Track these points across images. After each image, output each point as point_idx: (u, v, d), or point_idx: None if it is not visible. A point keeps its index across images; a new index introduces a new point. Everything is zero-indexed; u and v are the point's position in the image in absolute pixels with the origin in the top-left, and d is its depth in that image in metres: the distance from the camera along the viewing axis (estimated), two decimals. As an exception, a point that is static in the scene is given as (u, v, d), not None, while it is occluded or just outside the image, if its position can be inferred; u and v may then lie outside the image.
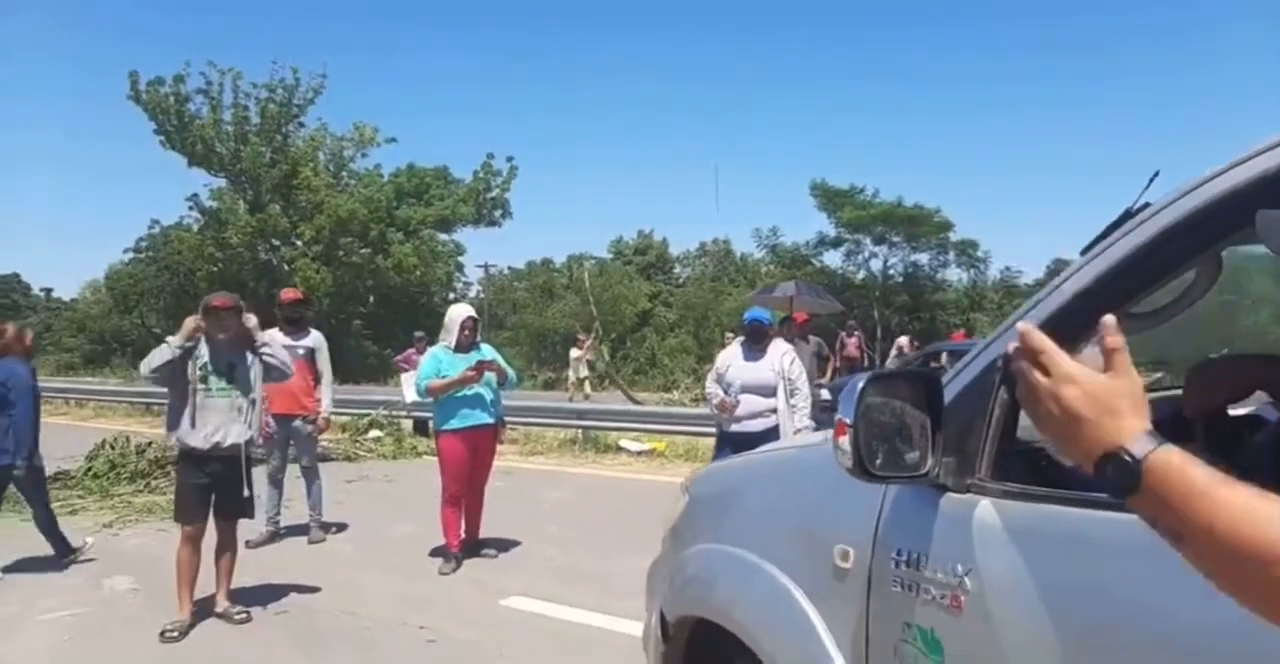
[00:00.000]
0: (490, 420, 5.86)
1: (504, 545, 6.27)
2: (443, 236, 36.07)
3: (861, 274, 35.34)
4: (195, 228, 34.88)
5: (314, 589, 5.35)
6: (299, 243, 33.39)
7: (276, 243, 34.08)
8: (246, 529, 6.61)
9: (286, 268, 33.53)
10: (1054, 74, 60.49)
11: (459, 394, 5.73)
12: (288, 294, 6.74)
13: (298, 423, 6.48)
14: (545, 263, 41.98)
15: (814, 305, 11.38)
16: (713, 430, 6.80)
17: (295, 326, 6.57)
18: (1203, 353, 1.99)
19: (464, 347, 5.87)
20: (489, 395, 5.84)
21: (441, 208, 34.45)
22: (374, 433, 12.00)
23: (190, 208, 34.69)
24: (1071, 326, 1.45)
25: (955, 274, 35.46)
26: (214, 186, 33.96)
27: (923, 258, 34.99)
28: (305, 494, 6.73)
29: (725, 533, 2.22)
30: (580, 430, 11.70)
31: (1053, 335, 1.44)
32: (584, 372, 19.06)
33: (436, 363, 5.81)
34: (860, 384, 1.45)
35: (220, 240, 32.92)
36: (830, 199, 33.53)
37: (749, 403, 5.74)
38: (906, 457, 1.49)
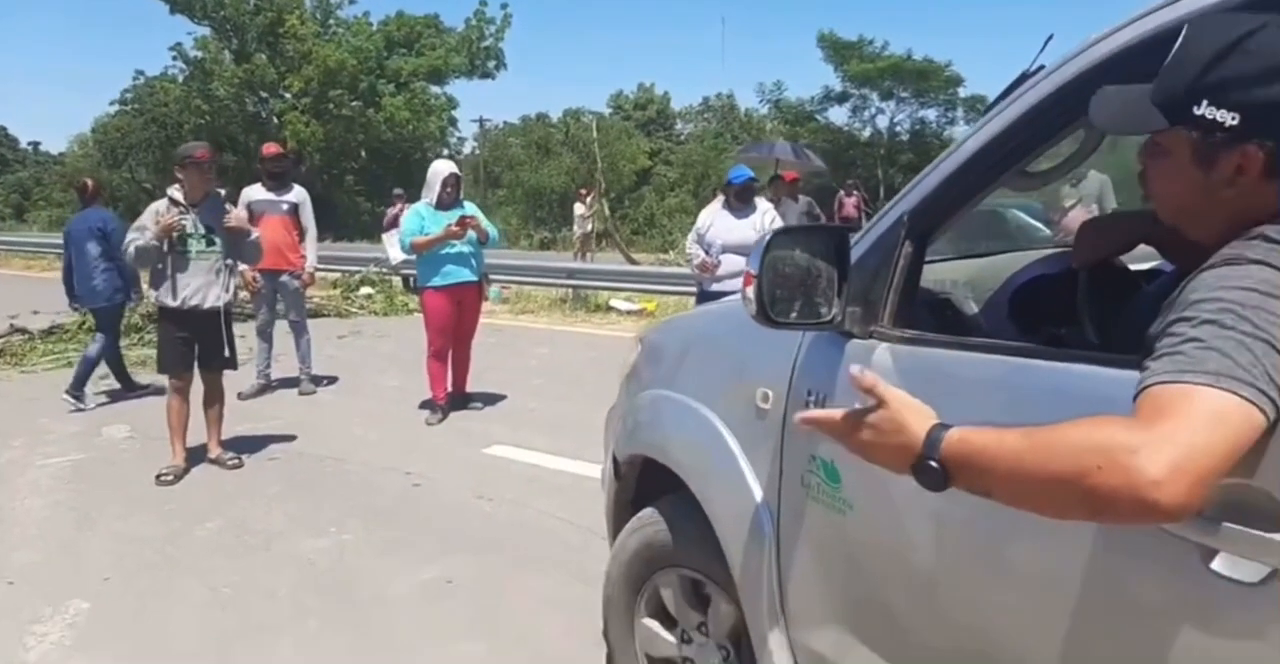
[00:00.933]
0: (473, 277, 5.95)
1: (490, 398, 6.52)
2: (435, 89, 35.15)
3: (867, 131, 34.73)
4: (180, 79, 34.02)
5: (304, 438, 5.60)
6: (287, 95, 32.64)
7: (264, 95, 33.33)
8: (238, 381, 6.87)
9: (276, 121, 32.90)
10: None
11: (442, 251, 5.79)
12: (269, 148, 6.70)
13: (284, 278, 6.59)
14: (541, 118, 41.02)
15: (794, 166, 11.27)
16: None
17: (278, 181, 6.57)
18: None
19: (446, 204, 5.89)
20: (471, 252, 5.91)
21: (433, 58, 33.43)
22: (365, 290, 12.17)
23: (174, 58, 33.77)
24: (969, 183, 1.53)
25: (963, 131, 34.72)
26: (198, 35, 32.91)
27: (930, 114, 34.27)
28: (294, 348, 6.92)
29: (670, 379, 2.35)
30: (571, 290, 11.84)
31: (955, 191, 1.52)
32: (590, 226, 18.74)
33: (419, 220, 5.85)
34: (767, 238, 1.53)
35: (206, 92, 32.21)
36: (838, 51, 32.52)
37: (729, 262, 5.77)
38: (812, 306, 1.59)
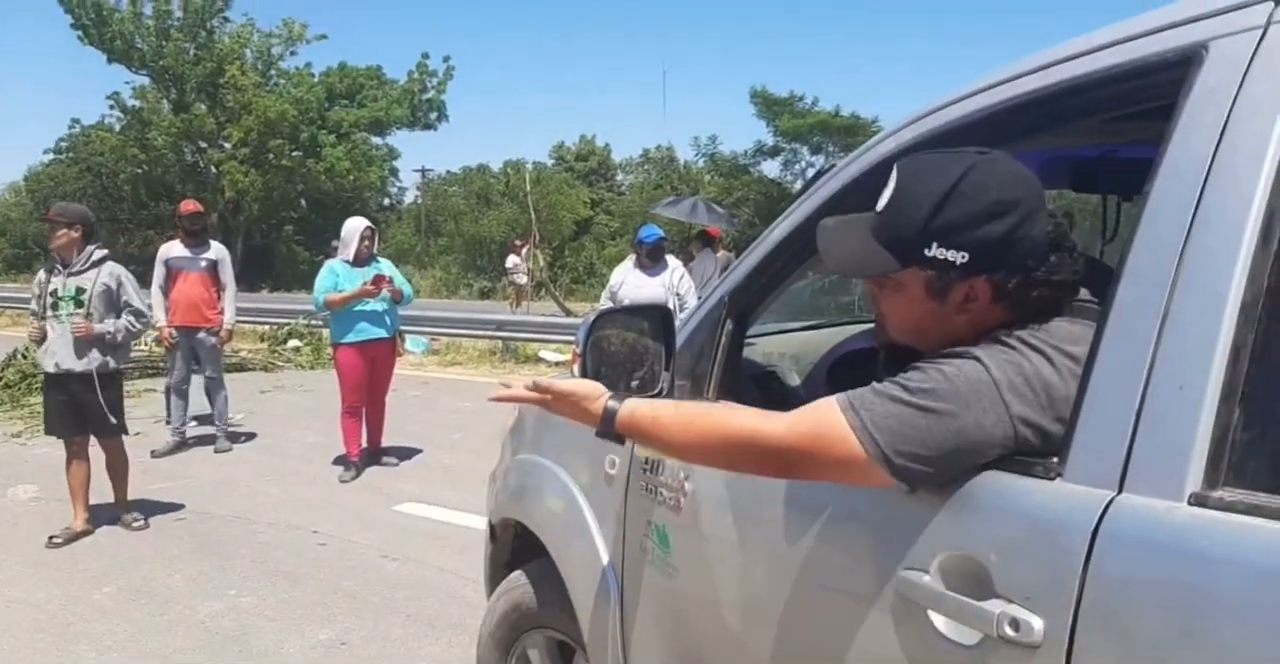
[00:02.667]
0: (387, 334, 5.99)
1: (406, 454, 6.51)
2: (376, 140, 35.16)
3: (799, 184, 35.43)
4: (117, 128, 33.61)
5: (215, 497, 5.54)
6: (226, 145, 32.39)
7: (203, 144, 33.02)
8: (153, 439, 6.82)
9: (214, 171, 32.62)
10: (1002, -18, 59.79)
11: (355, 308, 5.83)
12: (187, 206, 6.68)
13: (201, 335, 6.53)
14: (482, 168, 41.25)
15: (710, 222, 11.54)
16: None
17: (195, 238, 6.54)
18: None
19: (363, 259, 5.94)
20: (385, 309, 5.95)
21: (375, 109, 33.48)
22: (293, 342, 12.05)
23: (111, 107, 33.36)
24: (779, 267, 1.66)
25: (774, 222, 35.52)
26: (136, 85, 32.64)
27: (859, 169, 35.07)
28: (210, 405, 6.85)
29: (539, 444, 2.43)
30: (501, 341, 11.88)
31: (767, 274, 1.64)
32: (523, 279, 18.89)
33: (334, 276, 5.88)
34: (590, 319, 1.63)
35: (143, 141, 31.82)
36: (769, 107, 33.25)
37: (641, 319, 5.89)
38: (638, 381, 1.69)
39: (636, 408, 1.39)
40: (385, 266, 6.06)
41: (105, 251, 4.75)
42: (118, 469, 4.93)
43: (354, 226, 6.05)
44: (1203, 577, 0.85)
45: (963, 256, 1.16)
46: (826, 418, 1.15)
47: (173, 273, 6.42)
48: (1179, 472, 0.90)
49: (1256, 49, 0.96)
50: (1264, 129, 0.92)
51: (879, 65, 62.42)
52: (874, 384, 1.16)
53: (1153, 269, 0.98)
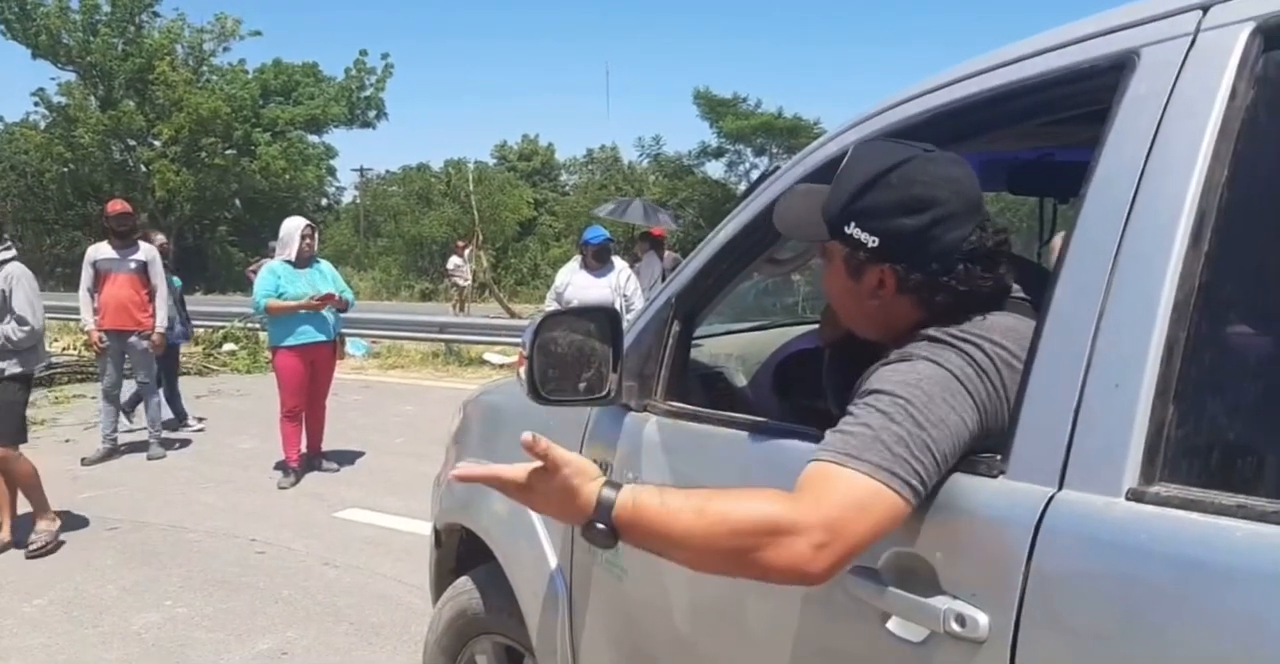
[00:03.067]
0: (328, 338, 5.89)
1: (347, 458, 6.41)
2: (313, 138, 34.54)
3: (743, 185, 35.72)
4: (43, 125, 32.57)
5: (148, 505, 5.40)
6: (156, 143, 31.57)
7: (132, 142, 32.15)
8: (85, 447, 6.62)
9: (144, 169, 31.78)
10: (937, -13, 60.98)
11: (292, 312, 5.72)
12: (114, 206, 6.46)
13: (132, 339, 6.33)
14: (422, 168, 40.76)
15: (651, 223, 11.59)
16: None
17: (123, 240, 6.34)
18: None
19: (304, 259, 5.83)
20: (327, 313, 5.85)
21: (311, 107, 32.88)
22: (229, 346, 11.78)
23: (36, 103, 32.33)
24: (725, 269, 1.66)
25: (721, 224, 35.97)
26: (62, 81, 31.65)
27: (801, 170, 35.48)
28: (143, 411, 6.67)
29: (485, 448, 2.41)
30: (444, 344, 11.76)
31: (713, 276, 1.64)
32: (466, 280, 18.75)
33: (275, 278, 5.74)
34: (536, 321, 1.62)
35: (70, 139, 30.85)
36: (713, 108, 33.49)
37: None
38: (585, 382, 1.68)
39: (639, 494, 1.08)
40: (326, 268, 5.97)
41: (11, 253, 4.51)
42: (16, 481, 4.64)
43: (293, 226, 5.93)
44: (1141, 570, 0.88)
45: (874, 240, 1.20)
46: (859, 494, 1.02)
47: (101, 275, 6.22)
48: (1116, 468, 0.92)
49: (1186, 56, 0.99)
50: (1195, 133, 0.95)
51: (820, 68, 63.30)
52: (845, 423, 1.10)
53: (1088, 270, 1.01)
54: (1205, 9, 1.00)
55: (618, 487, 1.10)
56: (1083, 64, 1.11)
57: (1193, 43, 0.99)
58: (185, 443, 7.06)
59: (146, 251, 6.44)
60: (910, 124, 1.31)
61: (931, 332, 1.17)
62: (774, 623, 1.34)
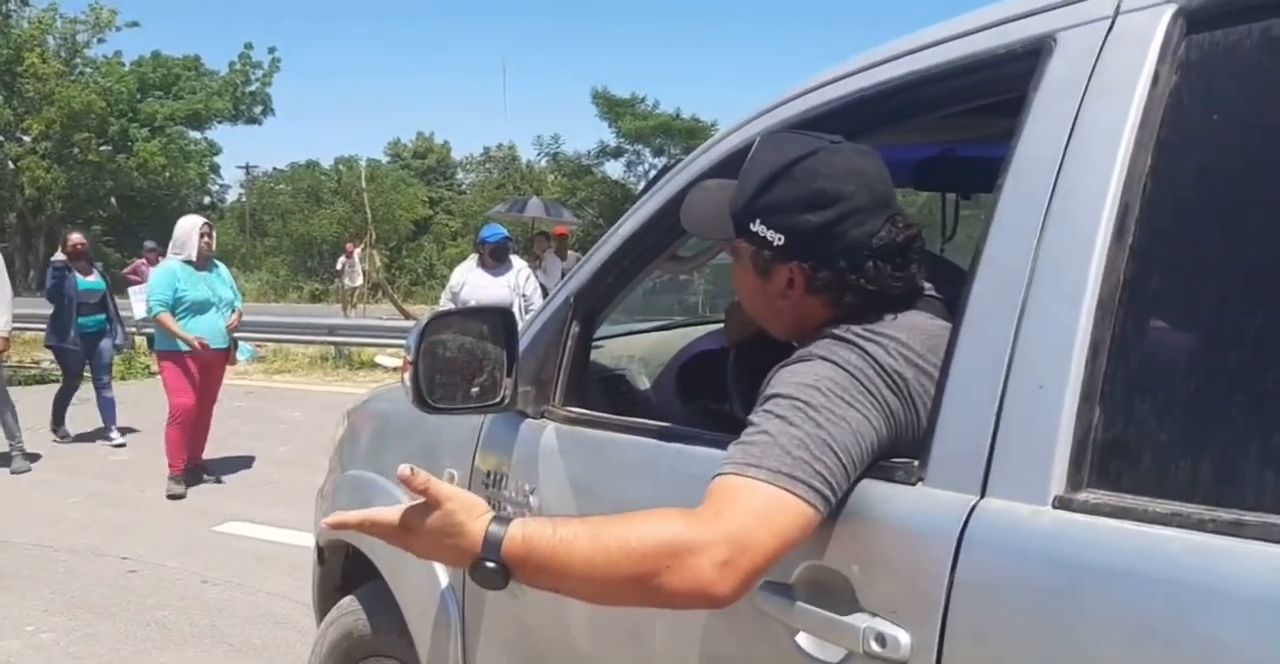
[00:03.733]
0: (224, 344, 5.58)
1: (230, 468, 6.09)
2: (194, 134, 33.11)
3: (642, 185, 35.83)
4: (-101, 119, 30.37)
5: (11, 523, 5.01)
6: (26, 138, 29.80)
7: (0, 138, 30.28)
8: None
9: (12, 166, 29.94)
10: (829, -7, 62.36)
11: (191, 317, 5.37)
12: None
13: None
14: (311, 165, 39.49)
15: (553, 220, 11.48)
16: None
17: None
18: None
19: (204, 258, 5.50)
20: (221, 316, 5.54)
21: (193, 102, 31.48)
22: (102, 351, 11.10)
23: (-107, 95, 30.12)
24: (626, 266, 1.58)
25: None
26: (-77, 73, 29.57)
27: (700, 171, 35.81)
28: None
29: (369, 458, 2.27)
30: (334, 346, 11.36)
31: (614, 273, 1.55)
32: (357, 281, 18.24)
33: (173, 280, 5.35)
34: (423, 322, 1.50)
35: (-69, 133, 28.90)
36: (611, 108, 33.47)
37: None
38: (477, 388, 1.57)
39: (528, 526, 0.97)
40: (224, 272, 5.72)
41: None
42: None
43: (190, 225, 5.59)
44: (1070, 582, 0.82)
45: (779, 238, 1.14)
46: (762, 504, 0.95)
47: None
48: (1042, 474, 0.86)
49: (1105, 39, 0.94)
50: (1116, 120, 0.90)
51: (719, 70, 64.03)
52: (745, 433, 1.02)
53: (1008, 265, 0.95)
54: (1124, -9, 0.95)
55: (506, 521, 0.98)
56: (998, 49, 1.06)
57: (1111, 26, 0.95)
58: (53, 455, 6.59)
59: None
60: (818, 113, 1.25)
61: (833, 330, 1.10)
62: (678, 641, 1.26)
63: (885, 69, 1.18)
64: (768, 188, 1.13)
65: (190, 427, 5.63)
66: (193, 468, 5.76)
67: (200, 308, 5.40)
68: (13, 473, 6.05)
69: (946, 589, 0.90)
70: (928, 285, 1.18)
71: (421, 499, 0.98)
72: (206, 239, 5.51)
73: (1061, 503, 0.85)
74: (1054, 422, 0.87)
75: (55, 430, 7.11)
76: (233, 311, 5.66)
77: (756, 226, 1.14)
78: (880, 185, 1.15)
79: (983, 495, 0.91)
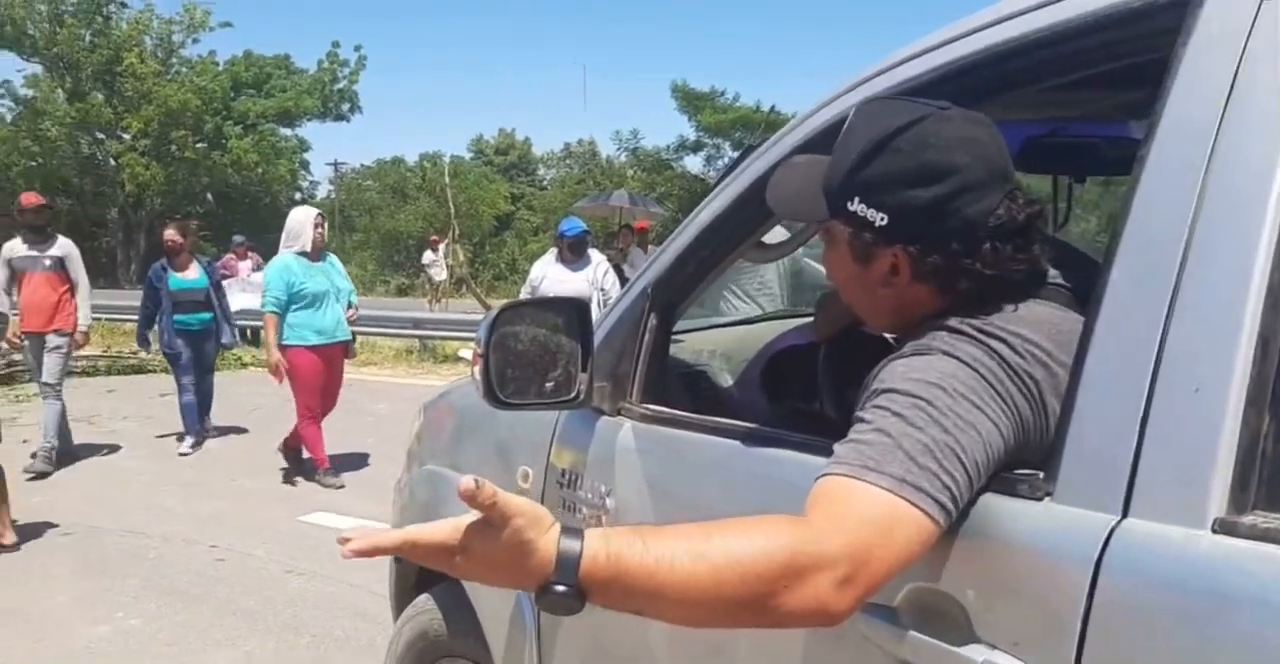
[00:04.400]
0: (348, 337, 5.57)
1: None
2: (285, 131, 34.10)
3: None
4: (9, 118, 31.97)
5: (103, 509, 5.16)
6: (126, 136, 31.09)
7: (101, 136, 31.63)
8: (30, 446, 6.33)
9: (113, 163, 31.28)
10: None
11: (312, 309, 5.30)
12: (29, 198, 5.98)
13: (49, 337, 5.87)
14: (397, 161, 40.32)
15: (640, 215, 11.41)
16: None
17: (38, 234, 5.90)
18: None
19: (318, 249, 5.42)
20: (341, 310, 5.51)
21: (283, 100, 32.45)
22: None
23: (1, 96, 31.76)
24: (706, 255, 1.48)
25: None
26: (28, 73, 31.08)
27: (780, 164, 35.44)
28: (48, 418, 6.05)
29: (445, 454, 2.22)
30: (419, 340, 11.51)
31: (693, 263, 1.46)
32: (442, 275, 18.49)
33: (289, 274, 5.25)
34: (493, 314, 1.43)
35: (37, 132, 30.26)
36: (690, 102, 33.27)
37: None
38: (552, 383, 1.49)
39: (612, 542, 0.82)
40: (335, 262, 5.67)
41: None
42: None
43: (303, 216, 5.49)
44: (1235, 618, 0.70)
45: (882, 218, 1.00)
46: (883, 513, 0.84)
47: (16, 274, 5.80)
48: (1199, 493, 0.74)
49: (1270, -14, 0.81)
50: (1286, 78, 0.77)
51: (800, 61, 63.15)
52: (857, 431, 0.92)
53: (1156, 247, 0.82)
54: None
55: (578, 534, 0.82)
56: (1135, 2, 0.92)
57: (1276, -29, 0.81)
58: (144, 443, 6.79)
59: (62, 245, 5.96)
60: (925, 80, 1.12)
61: (951, 322, 0.98)
62: (766, 658, 1.16)
63: (1000, 29, 1.05)
64: (868, 161, 1.00)
65: (320, 420, 5.57)
66: (295, 456, 5.78)
67: (320, 300, 5.33)
68: (25, 471, 5.73)
69: (1081, 622, 0.78)
70: (1053, 272, 1.05)
71: (478, 515, 0.81)
72: (320, 230, 5.44)
73: (1224, 527, 0.72)
74: (1213, 431, 0.74)
75: (193, 434, 6.78)
76: (350, 304, 5.62)
77: (855, 206, 1.01)
78: (997, 156, 1.01)
79: (1124, 515, 0.78)
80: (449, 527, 0.82)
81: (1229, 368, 0.74)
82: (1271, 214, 0.75)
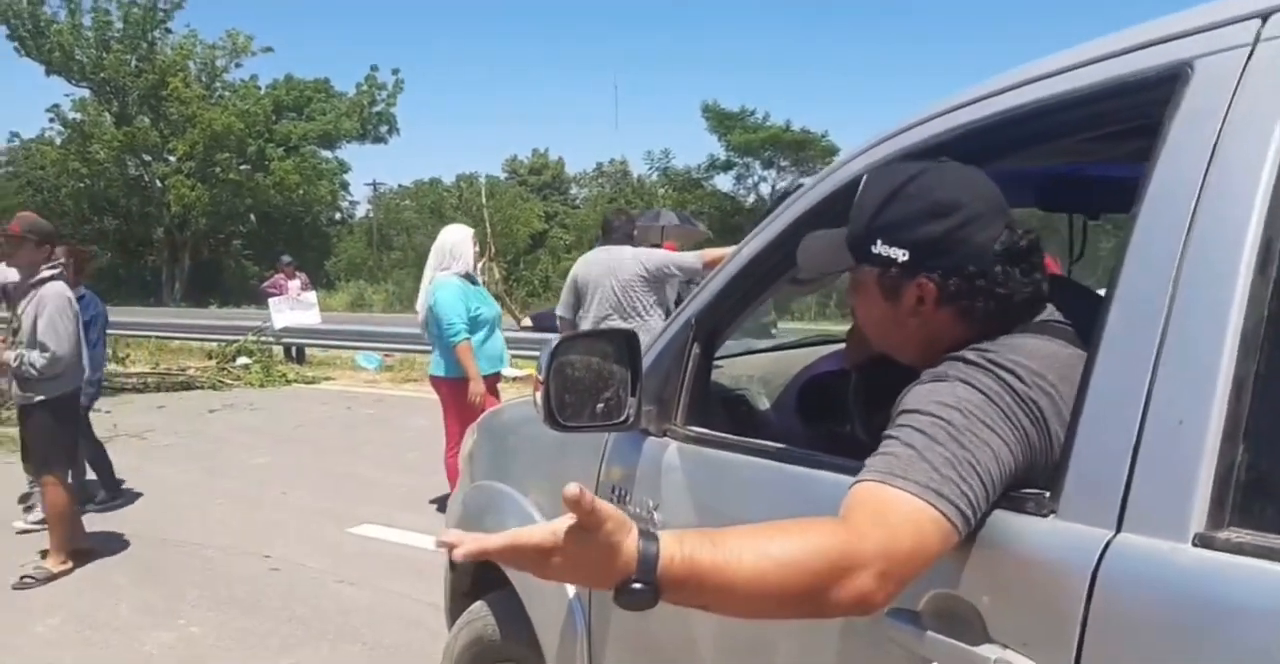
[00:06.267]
0: (503, 366, 5.23)
1: (361, 474, 6.37)
2: (325, 153, 34.84)
3: (751, 198, 35.66)
4: (58, 141, 32.93)
5: (161, 521, 5.37)
6: (171, 158, 31.90)
7: (147, 158, 32.48)
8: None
9: (159, 185, 32.07)
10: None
11: (487, 336, 4.96)
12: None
13: None
14: (434, 182, 40.95)
15: (681, 233, 11.52)
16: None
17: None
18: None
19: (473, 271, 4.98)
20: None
21: (324, 123, 33.22)
22: (242, 360, 11.75)
23: (52, 120, 32.76)
24: (747, 289, 1.61)
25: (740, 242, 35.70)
26: (76, 97, 32.02)
27: (809, 182, 35.45)
28: None
29: (499, 470, 2.36)
30: (457, 356, 11.68)
31: (735, 296, 1.59)
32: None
33: (463, 298, 4.81)
34: (553, 345, 1.57)
35: (85, 154, 31.17)
36: (720, 121, 33.47)
37: (601, 331, 5.76)
38: (603, 406, 1.62)
39: (686, 544, 0.91)
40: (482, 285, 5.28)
41: (54, 271, 4.33)
42: (46, 509, 4.56)
43: (461, 235, 5.00)
44: (1211, 622, 0.81)
45: (903, 254, 1.17)
46: (912, 517, 0.96)
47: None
48: (1181, 511, 0.85)
49: (1245, 66, 0.92)
50: (1257, 151, 0.88)
51: (829, 80, 63.23)
52: (885, 445, 1.04)
53: (1144, 296, 0.94)
54: (1265, 17, 0.93)
55: (655, 537, 0.91)
56: (1130, 77, 1.04)
57: (1251, 54, 0.93)
58: (198, 458, 7.01)
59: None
60: (942, 140, 1.25)
61: (965, 354, 1.12)
62: (802, 656, 1.28)
63: (1012, 96, 1.18)
64: (884, 208, 1.17)
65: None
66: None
67: (492, 326, 4.94)
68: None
69: (1080, 624, 0.89)
70: (1057, 313, 1.18)
71: (573, 519, 0.88)
72: (477, 249, 4.98)
73: (1203, 541, 0.83)
74: (1195, 459, 0.85)
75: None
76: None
77: (879, 248, 1.17)
78: (992, 194, 1.18)
79: (1118, 530, 0.90)
80: (546, 530, 0.90)
81: (1208, 405, 0.86)
82: (1244, 269, 0.87)
